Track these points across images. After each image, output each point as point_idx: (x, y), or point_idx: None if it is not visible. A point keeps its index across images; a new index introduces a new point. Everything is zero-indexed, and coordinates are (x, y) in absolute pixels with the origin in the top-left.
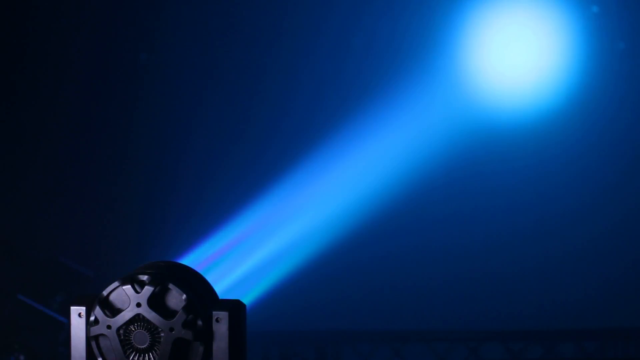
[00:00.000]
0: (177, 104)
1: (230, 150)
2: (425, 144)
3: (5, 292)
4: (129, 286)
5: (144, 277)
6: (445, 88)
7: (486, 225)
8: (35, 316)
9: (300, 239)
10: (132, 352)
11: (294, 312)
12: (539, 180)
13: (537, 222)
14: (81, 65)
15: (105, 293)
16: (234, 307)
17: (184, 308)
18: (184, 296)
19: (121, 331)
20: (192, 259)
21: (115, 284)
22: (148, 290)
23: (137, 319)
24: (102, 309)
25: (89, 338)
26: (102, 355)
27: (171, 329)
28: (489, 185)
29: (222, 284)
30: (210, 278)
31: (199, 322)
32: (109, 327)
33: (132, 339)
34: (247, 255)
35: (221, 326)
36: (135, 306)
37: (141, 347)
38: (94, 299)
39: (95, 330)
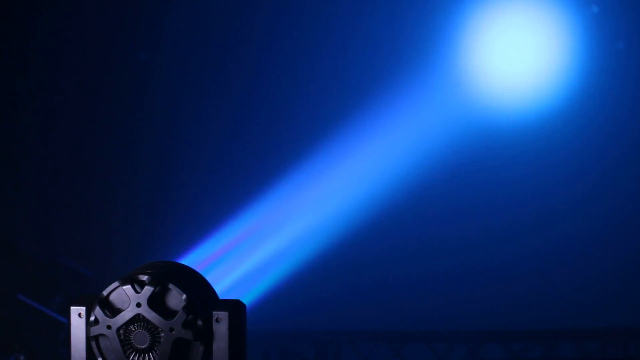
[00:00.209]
0: (177, 104)
1: (230, 150)
2: (426, 145)
3: (5, 292)
4: (129, 286)
5: (144, 277)
6: (445, 88)
7: (486, 226)
8: (35, 316)
9: (300, 239)
10: (132, 352)
11: (294, 312)
12: (539, 180)
13: (537, 222)
14: (81, 65)
15: (105, 293)
16: (234, 307)
17: (184, 308)
18: (184, 296)
19: (121, 331)
20: (192, 259)
21: (115, 284)
22: (148, 290)
23: (137, 319)
24: (102, 309)
25: (89, 338)
26: (102, 355)
27: (171, 329)
28: (489, 186)
29: (222, 284)
30: (210, 278)
31: (199, 322)
32: (109, 327)
33: (132, 339)
34: (247, 255)
35: (221, 326)
36: (135, 306)
37: (141, 347)
38: (94, 299)
39: (95, 330)
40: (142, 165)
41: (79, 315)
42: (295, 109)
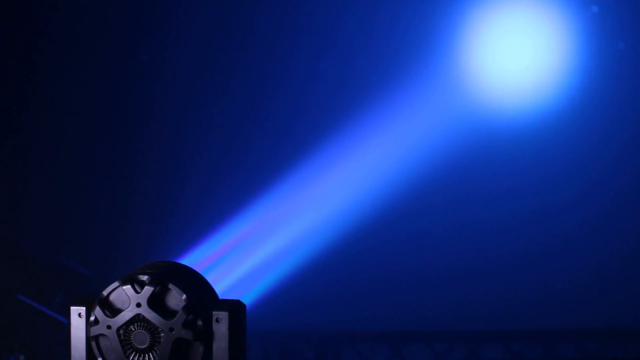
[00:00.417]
0: (178, 104)
1: (230, 150)
2: (426, 145)
3: (5, 292)
4: (129, 286)
5: (144, 277)
6: (446, 88)
7: (486, 227)
8: (35, 316)
9: (300, 239)
10: (132, 352)
11: (294, 312)
12: (539, 180)
13: (538, 222)
14: (81, 65)
15: (105, 293)
16: (234, 307)
17: (184, 308)
18: (184, 296)
19: (121, 331)
20: (192, 259)
21: (115, 284)
22: (148, 290)
23: (137, 319)
24: (102, 309)
25: (89, 338)
26: (102, 355)
27: (171, 329)
28: (489, 186)
29: (223, 284)
30: (210, 278)
31: (199, 322)
32: (109, 327)
33: (132, 339)
34: (247, 255)
35: (221, 326)
36: (135, 306)
37: (141, 347)
38: (94, 299)
39: (95, 330)
40: (142, 165)
41: (79, 315)
42: (295, 110)
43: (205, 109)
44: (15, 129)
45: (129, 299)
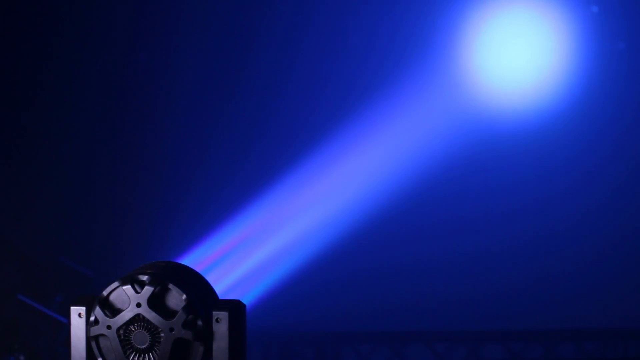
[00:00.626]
0: (178, 104)
1: (231, 150)
2: (426, 146)
3: (5, 292)
4: (129, 286)
5: (144, 277)
6: (445, 88)
7: (486, 226)
8: (35, 316)
9: (300, 240)
10: (132, 352)
11: (294, 312)
12: (539, 180)
13: (537, 222)
14: (81, 65)
15: (105, 293)
16: (234, 307)
17: (184, 308)
18: (184, 296)
19: (121, 331)
20: (192, 259)
21: (115, 284)
22: (148, 290)
23: (137, 319)
24: (102, 309)
25: (89, 338)
26: (102, 356)
27: (171, 329)
28: (489, 187)
29: (223, 284)
30: (210, 278)
31: (199, 322)
32: (109, 327)
33: (132, 339)
34: (247, 256)
35: (221, 326)
36: (135, 306)
37: (141, 347)
38: (94, 299)
39: (95, 330)
40: (142, 165)
41: (79, 315)
42: (295, 110)
43: (206, 108)
44: (15, 129)
45: (129, 299)
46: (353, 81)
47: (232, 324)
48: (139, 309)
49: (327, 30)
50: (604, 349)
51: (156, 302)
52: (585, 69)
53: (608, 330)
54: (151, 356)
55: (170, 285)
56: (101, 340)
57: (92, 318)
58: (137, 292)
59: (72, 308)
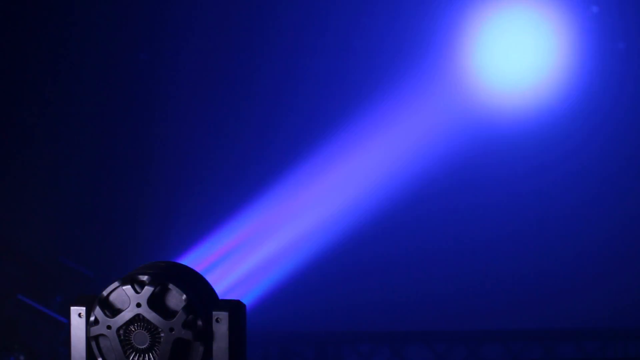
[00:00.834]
0: (178, 104)
1: (231, 150)
2: (426, 146)
3: (5, 292)
4: (129, 286)
5: (144, 277)
6: (445, 89)
7: (486, 226)
8: (35, 316)
9: (300, 240)
10: (132, 352)
11: (294, 312)
12: (539, 180)
13: (537, 222)
14: (81, 65)
15: (105, 293)
16: (234, 307)
17: (184, 308)
18: (184, 296)
19: (121, 331)
20: (192, 259)
21: (115, 284)
22: (148, 290)
23: (137, 319)
24: (102, 309)
25: (89, 338)
26: (102, 356)
27: (171, 329)
28: (489, 186)
29: (223, 284)
30: (210, 278)
31: (199, 322)
32: (109, 327)
33: (132, 339)
34: (247, 256)
35: (221, 326)
36: (135, 306)
37: (141, 347)
38: (94, 299)
39: (95, 330)
40: (143, 165)
41: (79, 315)
42: (295, 110)
43: (207, 108)
44: (15, 129)
45: (129, 299)
46: (354, 81)
47: (232, 324)
48: (139, 309)
49: (328, 31)
50: (604, 349)
51: (156, 302)
52: (585, 69)
53: (608, 330)
54: (151, 356)
55: (170, 286)
56: (101, 340)
57: (92, 318)
58: (137, 292)
59: (72, 308)
